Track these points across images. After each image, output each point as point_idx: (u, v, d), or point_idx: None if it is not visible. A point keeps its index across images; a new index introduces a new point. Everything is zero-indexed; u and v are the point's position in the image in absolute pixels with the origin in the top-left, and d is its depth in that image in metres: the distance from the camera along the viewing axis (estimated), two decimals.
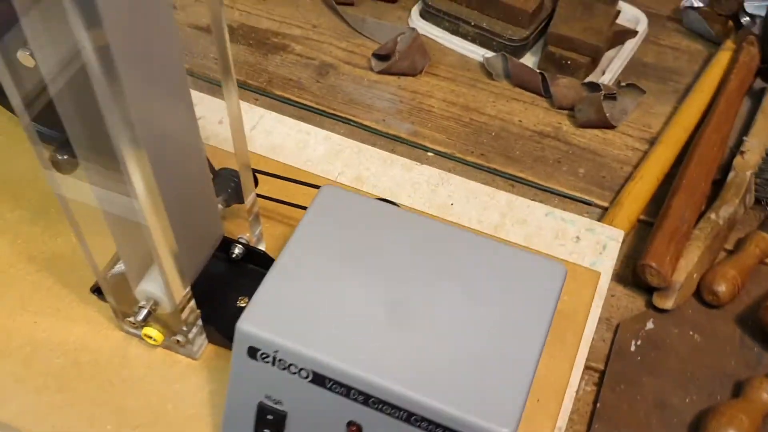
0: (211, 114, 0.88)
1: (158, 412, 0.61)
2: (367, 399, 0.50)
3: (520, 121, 0.96)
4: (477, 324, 0.52)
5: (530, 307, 0.53)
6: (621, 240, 0.79)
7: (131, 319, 0.60)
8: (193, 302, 0.59)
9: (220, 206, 0.65)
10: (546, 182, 0.89)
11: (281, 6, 1.09)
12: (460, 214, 0.79)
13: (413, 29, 1.02)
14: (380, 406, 0.50)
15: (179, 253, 0.55)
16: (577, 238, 0.78)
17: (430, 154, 0.92)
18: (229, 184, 0.67)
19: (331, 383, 0.50)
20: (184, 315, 0.58)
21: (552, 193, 0.88)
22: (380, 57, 1.00)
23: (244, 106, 0.89)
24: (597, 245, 0.78)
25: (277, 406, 0.53)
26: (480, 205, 0.80)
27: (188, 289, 0.58)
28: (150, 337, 0.61)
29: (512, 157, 0.92)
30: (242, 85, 0.97)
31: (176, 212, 0.51)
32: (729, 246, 0.84)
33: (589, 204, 0.88)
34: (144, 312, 0.58)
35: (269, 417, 0.53)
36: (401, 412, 0.49)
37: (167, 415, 0.61)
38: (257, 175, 0.68)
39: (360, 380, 0.49)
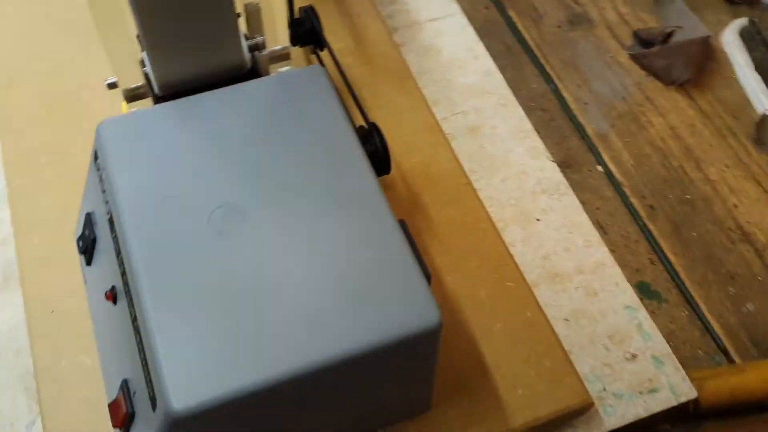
0: None
1: None
2: (124, 272, 0.42)
3: (736, 206, 0.70)
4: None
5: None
6: (684, 400, 0.55)
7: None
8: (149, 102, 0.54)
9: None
10: (695, 289, 0.65)
11: None
12: (533, 233, 0.62)
13: (707, 36, 0.78)
14: (126, 287, 0.41)
15: (149, 45, 0.50)
16: (633, 356, 0.56)
17: (599, 167, 0.73)
18: (301, 23, 0.59)
19: (114, 235, 0.43)
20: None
21: (689, 304, 0.65)
22: (641, 40, 0.79)
23: None
24: (646, 382, 0.55)
25: (94, 227, 0.48)
26: (563, 245, 0.62)
27: (142, 82, 0.53)
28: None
29: (684, 236, 0.68)
30: None
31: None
32: None
33: (717, 344, 0.63)
34: (111, 80, 0.55)
35: (86, 232, 0.48)
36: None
37: None
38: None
39: (125, 244, 0.41)
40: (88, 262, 0.49)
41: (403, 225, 0.43)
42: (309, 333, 0.38)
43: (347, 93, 0.57)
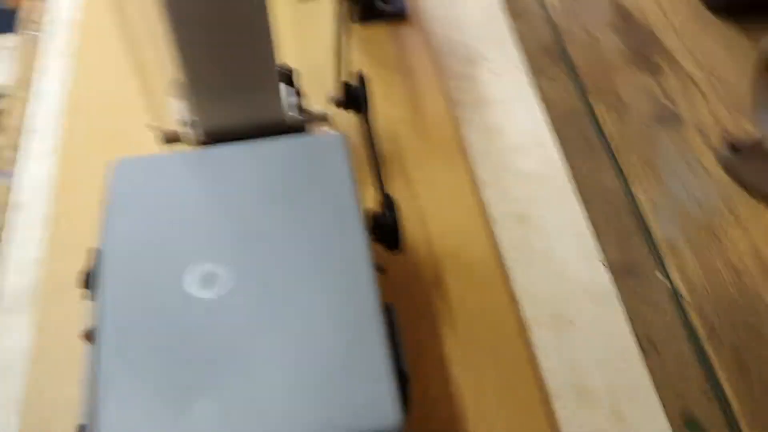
0: None
1: None
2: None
3: None
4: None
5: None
6: None
7: None
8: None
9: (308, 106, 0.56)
10: (751, 420, 0.58)
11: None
12: (566, 340, 0.57)
13: None
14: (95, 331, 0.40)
15: (190, 91, 0.50)
16: None
17: (660, 276, 0.67)
18: (348, 88, 0.58)
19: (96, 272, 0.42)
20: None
21: None
22: (731, 146, 0.73)
23: (523, 79, 0.75)
24: None
25: (94, 263, 0.47)
26: (597, 357, 0.56)
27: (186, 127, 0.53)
28: None
29: (749, 371, 0.61)
30: (569, 68, 0.81)
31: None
32: None
33: None
34: (151, 123, 0.56)
35: (89, 267, 0.48)
36: None
37: None
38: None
39: (100, 287, 0.40)
40: (87, 297, 0.49)
41: (389, 311, 0.40)
42: (257, 418, 0.35)
43: (385, 162, 0.56)
